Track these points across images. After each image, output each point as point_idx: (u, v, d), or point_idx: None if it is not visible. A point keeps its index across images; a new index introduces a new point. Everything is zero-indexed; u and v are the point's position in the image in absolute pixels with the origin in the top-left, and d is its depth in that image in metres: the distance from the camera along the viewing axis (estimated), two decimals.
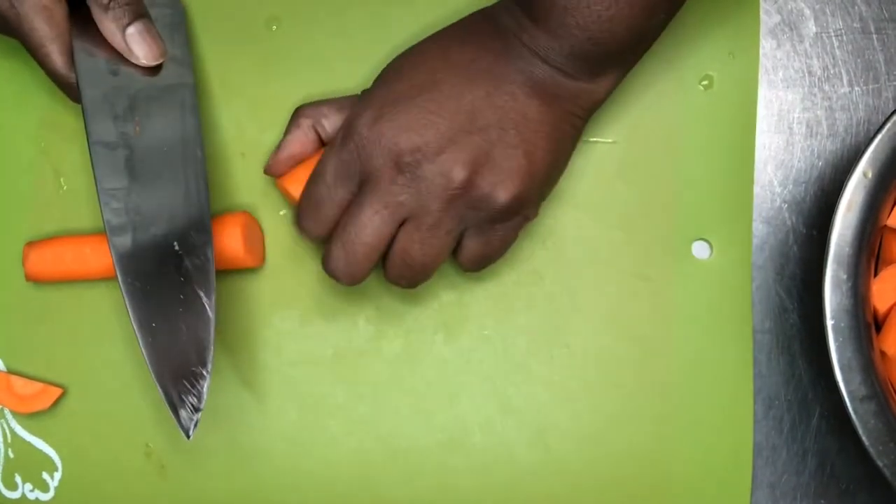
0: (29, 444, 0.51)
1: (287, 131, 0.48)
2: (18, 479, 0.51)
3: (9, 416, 0.51)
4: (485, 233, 0.45)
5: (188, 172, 0.46)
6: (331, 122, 0.47)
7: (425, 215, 0.43)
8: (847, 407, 0.44)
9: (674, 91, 0.52)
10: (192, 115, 0.48)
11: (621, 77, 0.46)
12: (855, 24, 0.53)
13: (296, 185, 0.47)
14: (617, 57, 0.45)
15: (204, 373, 0.43)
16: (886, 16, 0.53)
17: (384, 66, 0.47)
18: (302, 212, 0.46)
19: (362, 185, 0.44)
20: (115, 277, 0.44)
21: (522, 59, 0.44)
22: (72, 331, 0.51)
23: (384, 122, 0.43)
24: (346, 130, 0.44)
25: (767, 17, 0.53)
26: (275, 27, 0.52)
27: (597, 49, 0.43)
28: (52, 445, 0.51)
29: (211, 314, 0.44)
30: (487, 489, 0.50)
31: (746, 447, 0.50)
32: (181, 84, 0.48)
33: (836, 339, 0.45)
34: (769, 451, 0.51)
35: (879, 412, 0.44)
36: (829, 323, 0.45)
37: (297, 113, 0.48)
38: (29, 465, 0.51)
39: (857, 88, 0.53)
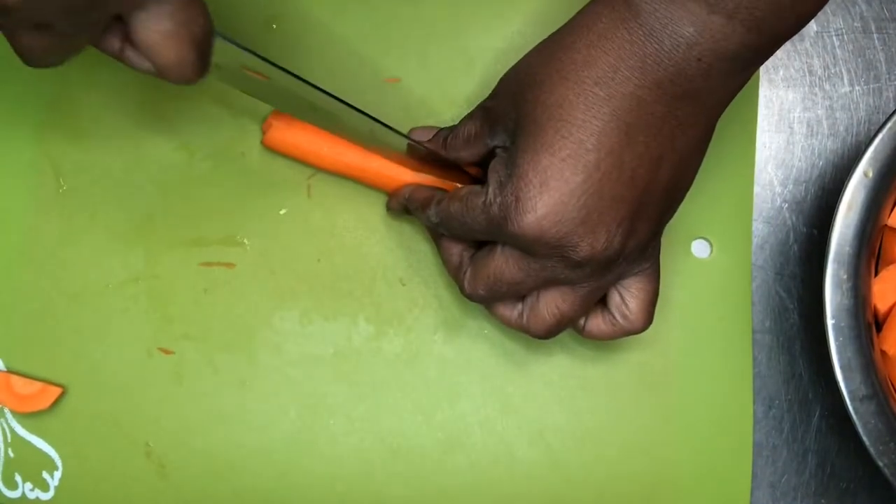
0: (29, 443, 0.51)
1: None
2: (18, 478, 0.51)
3: (9, 415, 0.51)
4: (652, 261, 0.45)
5: None
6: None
7: (584, 284, 0.43)
8: (847, 406, 0.44)
9: None
10: None
11: None
12: (856, 24, 0.53)
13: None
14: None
15: None
16: (887, 15, 0.53)
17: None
18: (437, 223, 0.46)
19: (547, 284, 0.43)
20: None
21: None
22: (72, 330, 0.51)
23: (546, 217, 0.39)
24: (503, 211, 0.40)
25: None
26: (275, 26, 0.52)
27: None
28: (52, 445, 0.51)
29: None
30: (487, 488, 0.50)
31: (746, 446, 0.50)
32: None
33: (836, 339, 0.45)
34: (769, 450, 0.51)
35: (880, 412, 0.44)
36: (830, 322, 0.45)
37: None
38: (29, 464, 0.50)
39: (857, 88, 0.53)
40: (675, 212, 0.43)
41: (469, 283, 0.44)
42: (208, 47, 0.40)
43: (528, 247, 0.41)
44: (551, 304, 0.43)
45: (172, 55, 0.38)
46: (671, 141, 0.39)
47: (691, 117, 0.39)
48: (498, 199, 0.41)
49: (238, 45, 0.42)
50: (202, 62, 0.40)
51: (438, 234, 0.48)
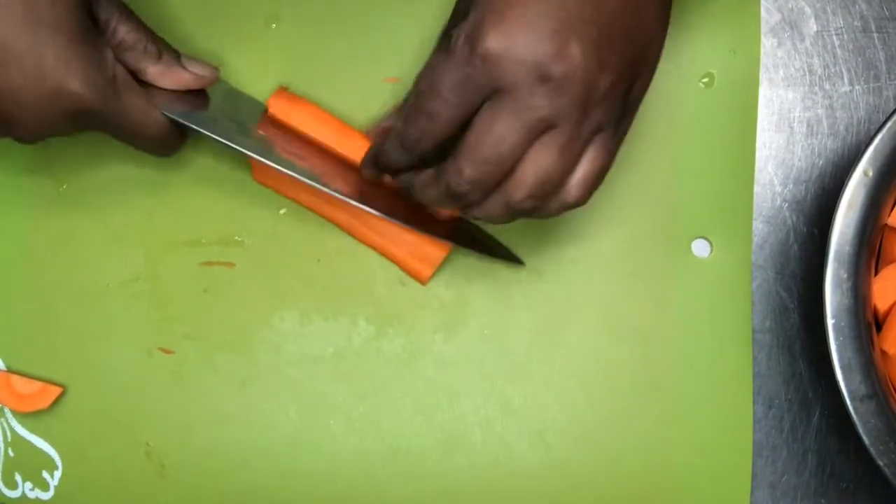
0: (29, 442, 0.51)
1: None
2: (18, 477, 0.51)
3: (9, 414, 0.51)
4: (614, 135, 0.42)
5: None
6: None
7: (565, 125, 0.40)
8: (847, 406, 0.44)
9: (674, 89, 0.52)
10: None
11: None
12: (856, 23, 0.53)
13: None
14: None
15: None
16: (887, 14, 0.53)
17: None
18: (407, 127, 0.42)
19: (492, 99, 0.40)
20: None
21: None
22: (72, 330, 0.51)
23: (515, 30, 0.38)
24: (468, 39, 0.39)
25: (768, 16, 0.53)
26: (274, 25, 0.52)
27: None
28: (52, 444, 0.51)
29: None
30: (487, 488, 0.50)
31: (746, 446, 0.50)
32: None
33: (836, 339, 0.44)
34: (769, 450, 0.51)
35: (880, 411, 0.44)
36: (830, 322, 0.45)
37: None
38: (29, 463, 0.51)
39: (857, 87, 0.53)
40: (640, 76, 0.42)
41: (454, 178, 0.42)
42: (167, 129, 0.47)
43: (500, 72, 0.39)
44: (532, 163, 0.41)
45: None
46: None
47: None
48: (462, 34, 0.39)
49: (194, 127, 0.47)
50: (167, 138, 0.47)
51: (412, 183, 0.45)
